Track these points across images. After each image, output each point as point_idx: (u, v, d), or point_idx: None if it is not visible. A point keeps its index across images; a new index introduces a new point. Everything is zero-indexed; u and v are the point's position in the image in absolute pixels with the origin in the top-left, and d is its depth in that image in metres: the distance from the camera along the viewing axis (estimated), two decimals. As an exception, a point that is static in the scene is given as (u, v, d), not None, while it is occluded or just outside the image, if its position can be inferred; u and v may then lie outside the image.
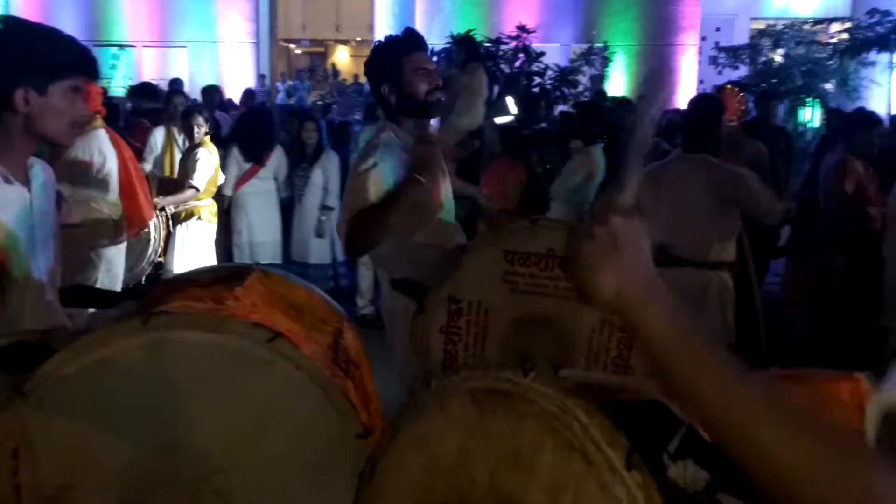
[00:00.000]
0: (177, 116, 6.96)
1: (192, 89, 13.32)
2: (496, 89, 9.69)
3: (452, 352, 2.85)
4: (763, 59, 16.01)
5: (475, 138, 6.61)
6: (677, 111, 8.71)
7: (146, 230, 5.39)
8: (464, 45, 8.65)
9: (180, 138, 6.96)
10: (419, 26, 18.17)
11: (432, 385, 1.58)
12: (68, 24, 17.86)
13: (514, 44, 12.55)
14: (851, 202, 5.64)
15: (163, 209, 6.00)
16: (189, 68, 18.86)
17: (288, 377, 1.83)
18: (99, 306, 2.60)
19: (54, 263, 2.33)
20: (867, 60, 13.54)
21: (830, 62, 14.99)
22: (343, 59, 31.72)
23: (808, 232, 6.15)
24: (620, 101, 9.43)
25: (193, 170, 6.37)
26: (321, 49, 31.81)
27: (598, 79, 15.55)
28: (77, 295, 2.64)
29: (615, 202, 1.19)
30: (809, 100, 15.25)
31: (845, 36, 14.13)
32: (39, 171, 2.31)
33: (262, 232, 7.18)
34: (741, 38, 18.09)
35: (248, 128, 7.42)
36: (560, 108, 10.85)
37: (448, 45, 10.76)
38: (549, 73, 12.33)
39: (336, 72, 25.05)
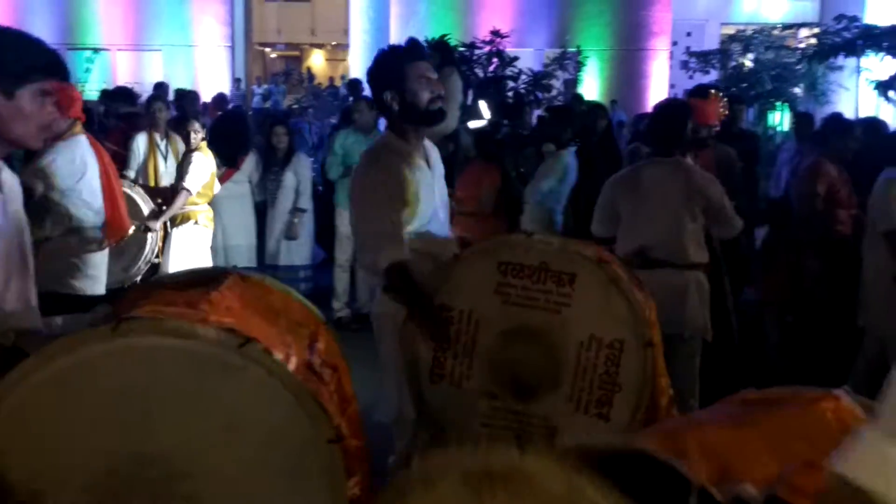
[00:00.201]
0: (158, 122, 6.99)
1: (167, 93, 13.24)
2: (470, 93, 9.74)
3: (441, 360, 2.86)
4: (733, 63, 16.17)
5: (449, 142, 6.63)
6: (647, 116, 8.78)
7: (140, 231, 5.43)
8: (438, 49, 8.64)
9: (162, 144, 6.99)
10: (394, 31, 18.21)
11: (413, 464, 1.35)
12: (42, 27, 17.72)
13: (488, 48, 12.59)
14: (823, 204, 5.72)
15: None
16: (164, 72, 18.74)
17: (259, 383, 1.83)
18: (77, 311, 2.59)
19: (23, 265, 2.30)
20: (835, 65, 13.70)
21: (799, 67, 15.17)
22: (318, 62, 31.68)
23: (780, 234, 6.23)
24: (593, 106, 9.48)
25: (187, 173, 6.46)
26: (296, 53, 31.75)
27: (572, 83, 15.64)
28: (55, 301, 2.63)
29: None
30: (779, 104, 15.43)
31: (813, 41, 14.30)
32: (8, 176, 2.30)
33: (236, 235, 7.17)
34: (712, 43, 18.30)
35: (223, 132, 7.40)
36: (536, 112, 10.91)
37: (422, 50, 10.78)
38: (523, 77, 12.39)
39: (311, 75, 25.00)
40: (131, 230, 5.14)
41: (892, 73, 10.48)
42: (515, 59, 12.61)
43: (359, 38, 18.57)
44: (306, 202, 7.26)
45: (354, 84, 13.59)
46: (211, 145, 7.07)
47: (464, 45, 12.13)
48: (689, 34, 18.46)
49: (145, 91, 11.23)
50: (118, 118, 8.26)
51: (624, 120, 13.82)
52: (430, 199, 3.23)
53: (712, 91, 5.66)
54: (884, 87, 10.52)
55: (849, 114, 9.47)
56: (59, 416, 1.81)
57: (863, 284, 5.01)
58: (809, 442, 1.42)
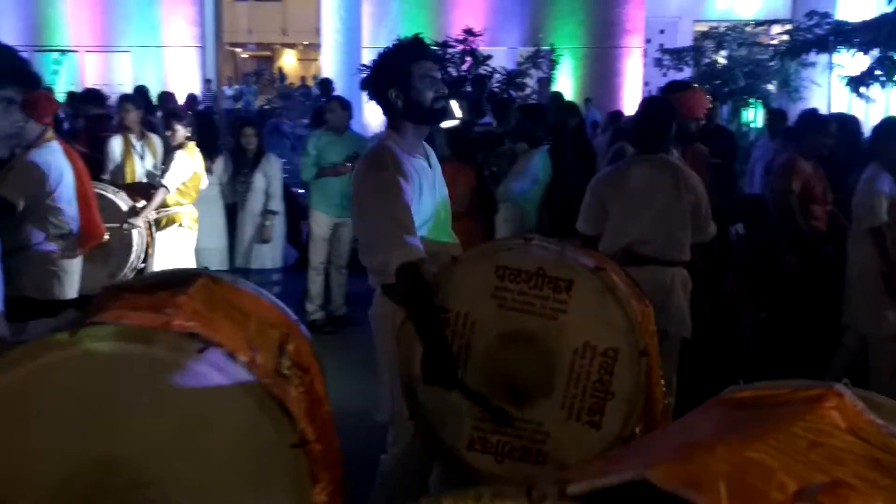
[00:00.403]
0: (128, 123, 6.95)
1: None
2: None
3: None
4: (706, 60, 16.29)
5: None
6: (621, 113, 8.78)
7: (121, 230, 5.35)
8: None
9: (139, 144, 6.97)
10: (366, 30, 18.15)
11: None
12: (8, 28, 17.51)
13: (461, 47, 12.61)
14: (798, 201, 5.72)
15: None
16: (133, 73, 18.57)
17: (220, 388, 1.82)
18: (45, 316, 2.54)
19: None
20: (807, 61, 13.80)
21: (772, 63, 15.29)
22: (290, 62, 31.59)
23: (755, 231, 6.24)
24: (565, 105, 9.46)
25: (167, 171, 6.43)
26: (268, 53, 31.65)
27: (545, 81, 15.67)
28: (32, 307, 2.58)
29: None
30: (752, 100, 15.53)
31: (786, 38, 14.38)
32: None
33: (207, 238, 7.07)
34: (685, 40, 18.39)
35: (193, 133, 7.31)
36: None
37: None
38: (497, 76, 12.39)
39: (283, 76, 24.92)
40: (106, 236, 5.06)
41: (864, 69, 10.54)
42: (489, 57, 12.62)
43: (330, 38, 18.48)
44: (277, 204, 7.17)
45: (326, 84, 13.53)
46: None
47: (437, 44, 12.11)
48: (662, 31, 18.58)
49: (114, 93, 11.09)
50: (87, 120, 8.17)
51: (598, 120, 13.80)
52: (430, 199, 3.21)
53: (696, 85, 5.66)
54: (855, 83, 10.58)
55: (821, 110, 9.52)
56: (21, 423, 1.79)
57: (847, 282, 5.01)
58: (823, 450, 1.37)
